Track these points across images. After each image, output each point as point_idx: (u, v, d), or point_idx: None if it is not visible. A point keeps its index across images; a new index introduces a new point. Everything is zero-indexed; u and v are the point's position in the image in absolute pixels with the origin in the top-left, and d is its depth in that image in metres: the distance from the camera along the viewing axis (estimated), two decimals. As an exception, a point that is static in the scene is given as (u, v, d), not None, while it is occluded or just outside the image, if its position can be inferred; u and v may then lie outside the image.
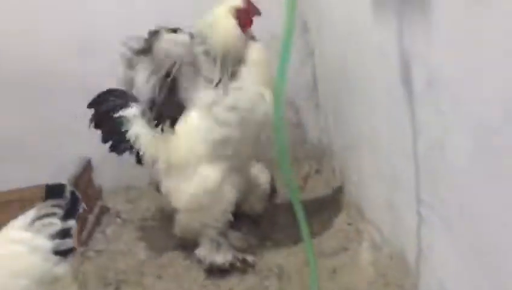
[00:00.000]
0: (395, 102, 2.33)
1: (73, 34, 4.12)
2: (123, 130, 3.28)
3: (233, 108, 2.99)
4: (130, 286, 3.16)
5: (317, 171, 4.28)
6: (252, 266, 3.18)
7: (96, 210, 4.08)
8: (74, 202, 2.20)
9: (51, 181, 4.08)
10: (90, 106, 3.38)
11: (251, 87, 3.00)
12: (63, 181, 4.07)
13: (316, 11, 3.80)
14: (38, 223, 2.12)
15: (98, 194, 4.27)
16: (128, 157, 3.31)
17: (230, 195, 3.13)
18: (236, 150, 3.08)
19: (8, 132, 4.23)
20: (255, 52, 3.02)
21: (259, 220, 3.68)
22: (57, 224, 2.13)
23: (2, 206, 3.68)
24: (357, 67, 2.93)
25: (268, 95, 2.97)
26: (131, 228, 3.93)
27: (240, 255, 3.20)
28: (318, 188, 4.02)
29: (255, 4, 3.05)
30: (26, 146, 4.29)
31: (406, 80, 2.16)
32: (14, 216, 3.66)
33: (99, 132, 3.39)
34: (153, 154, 3.24)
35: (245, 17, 3.00)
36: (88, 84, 3.63)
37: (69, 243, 2.15)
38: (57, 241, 2.12)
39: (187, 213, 3.18)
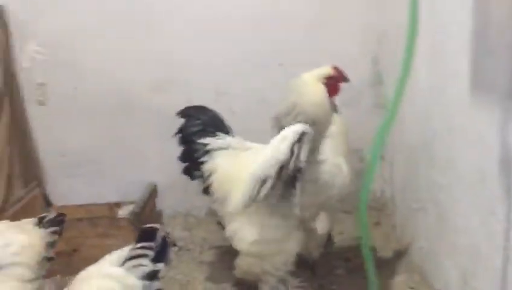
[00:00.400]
0: (485, 183, 2.33)
1: (151, 72, 4.36)
2: (201, 160, 3.26)
3: (313, 181, 2.95)
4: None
5: (376, 224, 4.27)
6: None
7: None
8: (164, 246, 2.28)
9: (118, 199, 4.30)
10: (180, 114, 3.39)
11: (331, 159, 3.01)
12: (130, 199, 4.26)
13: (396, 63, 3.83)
14: (130, 263, 2.22)
15: (158, 218, 4.38)
16: (192, 184, 3.42)
17: (293, 247, 3.12)
18: (307, 212, 3.09)
19: (86, 151, 4.45)
20: (337, 124, 3.04)
21: (316, 267, 3.70)
22: (147, 266, 2.22)
23: (72, 222, 3.83)
24: (444, 141, 2.94)
25: (345, 167, 3.00)
26: (188, 257, 4.00)
27: (298, 303, 3.21)
28: (376, 241, 4.01)
29: (344, 72, 2.99)
30: (99, 166, 4.48)
31: (504, 168, 2.17)
32: (83, 232, 3.80)
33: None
34: (225, 192, 3.28)
35: (333, 84, 2.92)
36: (161, 116, 3.88)
37: (156, 285, 2.23)
38: (146, 282, 2.21)
39: (248, 258, 3.18)
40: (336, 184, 3.03)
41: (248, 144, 3.30)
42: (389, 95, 4.22)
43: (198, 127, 3.32)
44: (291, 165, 2.67)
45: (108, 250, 3.93)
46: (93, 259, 3.93)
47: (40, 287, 2.79)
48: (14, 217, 3.85)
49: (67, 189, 4.43)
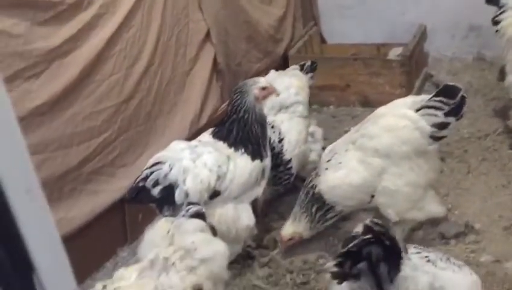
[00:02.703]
0: None
1: None
2: None
3: None
4: (454, 159, 3.46)
5: None
6: None
7: (420, 76, 4.35)
8: (461, 105, 2.50)
9: (384, 40, 4.51)
10: None
11: None
12: (396, 41, 4.42)
13: None
14: (425, 111, 2.54)
15: (425, 61, 4.49)
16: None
17: None
18: None
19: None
20: None
21: None
22: (439, 117, 2.51)
23: (347, 60, 4.24)
24: None
25: None
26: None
27: None
28: None
29: None
30: (369, 7, 4.63)
31: None
32: (356, 70, 4.15)
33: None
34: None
35: None
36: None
37: (443, 133, 2.53)
38: (435, 130, 2.53)
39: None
40: None
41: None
42: None
43: None
44: None
45: (377, 88, 4.34)
46: (362, 94, 4.42)
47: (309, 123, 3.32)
48: (298, 52, 4.47)
49: (340, 28, 4.77)
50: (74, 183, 2.66)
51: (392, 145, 2.61)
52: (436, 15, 4.41)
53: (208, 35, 3.56)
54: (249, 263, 2.93)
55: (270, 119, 3.05)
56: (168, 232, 1.93)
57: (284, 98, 3.13)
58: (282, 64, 4.18)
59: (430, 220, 2.85)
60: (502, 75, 3.44)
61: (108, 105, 2.76)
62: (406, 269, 1.79)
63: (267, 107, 3.07)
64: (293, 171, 3.09)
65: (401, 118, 2.59)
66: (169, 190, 2.42)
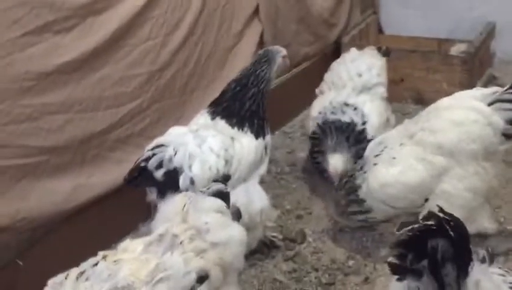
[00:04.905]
0: None
1: None
2: None
3: None
4: (512, 169, 3.14)
5: None
6: None
7: (483, 77, 4.02)
8: None
9: (448, 36, 4.18)
10: None
11: None
12: (461, 37, 4.09)
13: None
14: (499, 105, 2.27)
15: (490, 62, 4.15)
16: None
17: None
18: None
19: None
20: None
21: None
22: None
23: (403, 53, 3.95)
24: None
25: None
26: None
27: None
28: None
29: None
30: None
31: None
32: (413, 64, 3.91)
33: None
34: None
35: None
36: None
37: None
38: (509, 126, 2.25)
39: None
40: None
41: None
42: None
43: None
44: None
45: (433, 85, 4.01)
46: (417, 90, 4.10)
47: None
48: (352, 40, 4.21)
49: (400, 19, 4.47)
50: (98, 149, 2.54)
51: (459, 142, 2.30)
52: (507, 13, 4.05)
53: (256, 11, 3.37)
54: (273, 255, 2.74)
55: (351, 101, 2.96)
56: (184, 207, 1.76)
57: (367, 79, 3.02)
58: (334, 52, 3.96)
59: (477, 235, 2.57)
60: None
61: (141, 72, 2.62)
62: (485, 281, 1.46)
63: (349, 87, 2.99)
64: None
65: (471, 111, 2.30)
66: (174, 174, 2.25)
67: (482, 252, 1.55)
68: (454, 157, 2.33)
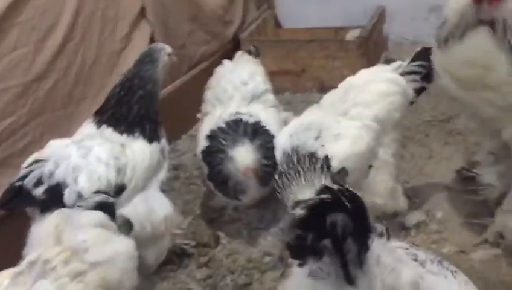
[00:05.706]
0: None
1: None
2: None
3: None
4: (415, 144, 3.19)
5: None
6: None
7: (380, 61, 4.07)
8: (432, 68, 2.35)
9: (343, 24, 4.21)
10: None
11: None
12: (355, 24, 4.13)
13: None
14: (408, 77, 2.49)
15: (384, 44, 4.23)
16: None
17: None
18: None
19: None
20: None
21: None
22: (418, 82, 2.48)
23: (301, 43, 3.94)
24: None
25: None
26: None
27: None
28: None
29: None
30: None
31: None
32: (311, 54, 3.88)
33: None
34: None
35: None
36: None
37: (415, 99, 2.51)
38: (415, 95, 2.50)
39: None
40: None
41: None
42: None
43: None
44: None
45: (333, 72, 4.02)
46: (319, 79, 4.10)
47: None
48: (250, 35, 4.13)
49: (297, 12, 4.46)
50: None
51: (388, 111, 2.45)
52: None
53: (142, 12, 3.20)
54: (185, 264, 2.58)
55: (244, 110, 2.67)
56: (57, 227, 1.55)
57: (254, 86, 2.81)
58: (234, 48, 3.85)
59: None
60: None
61: (12, 84, 2.37)
62: (386, 256, 1.39)
63: (237, 98, 2.74)
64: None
65: (392, 83, 2.47)
66: (57, 190, 2.01)
67: (380, 227, 1.47)
68: (382, 126, 2.44)
